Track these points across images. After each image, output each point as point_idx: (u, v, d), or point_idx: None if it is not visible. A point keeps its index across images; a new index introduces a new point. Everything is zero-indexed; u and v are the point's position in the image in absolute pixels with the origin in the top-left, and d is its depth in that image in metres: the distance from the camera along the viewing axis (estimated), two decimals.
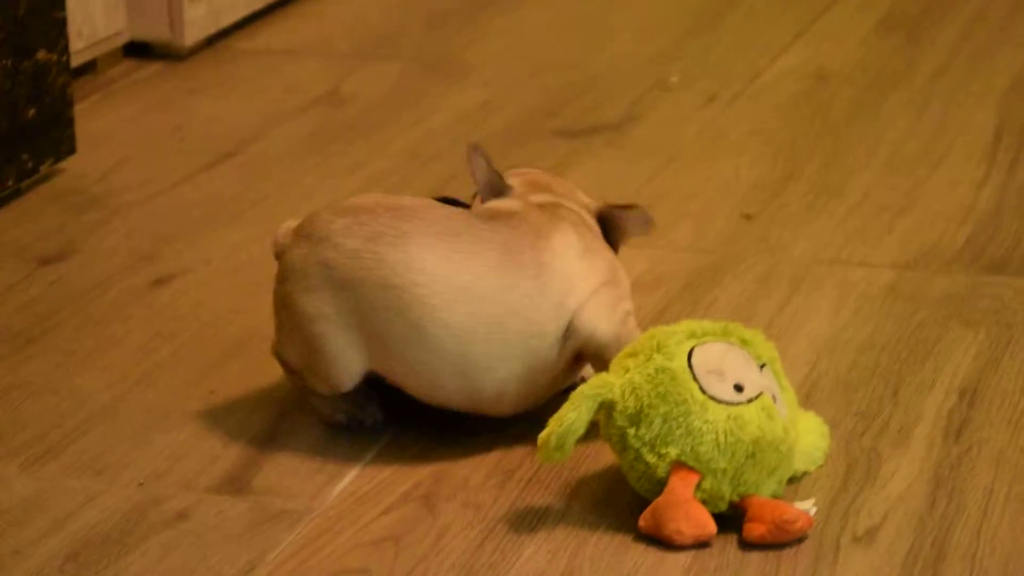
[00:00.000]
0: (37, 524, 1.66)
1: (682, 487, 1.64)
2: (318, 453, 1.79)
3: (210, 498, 1.71)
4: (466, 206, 1.90)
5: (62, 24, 2.44)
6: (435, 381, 1.76)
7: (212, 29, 3.00)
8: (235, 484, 1.73)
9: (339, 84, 2.87)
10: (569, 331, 1.76)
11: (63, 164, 2.50)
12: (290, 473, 1.76)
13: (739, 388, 1.67)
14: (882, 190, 2.46)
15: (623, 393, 1.66)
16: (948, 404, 1.89)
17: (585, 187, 2.53)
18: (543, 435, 1.65)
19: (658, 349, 1.67)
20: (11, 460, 1.77)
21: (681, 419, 1.65)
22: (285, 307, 1.80)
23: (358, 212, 1.78)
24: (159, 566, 1.61)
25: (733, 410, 1.65)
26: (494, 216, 1.82)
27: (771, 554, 1.63)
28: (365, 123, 2.71)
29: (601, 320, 1.78)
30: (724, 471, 1.65)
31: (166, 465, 1.77)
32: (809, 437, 1.76)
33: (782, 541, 1.63)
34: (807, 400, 1.89)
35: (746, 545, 1.64)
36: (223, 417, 1.86)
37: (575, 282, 1.77)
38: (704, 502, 1.65)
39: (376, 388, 1.82)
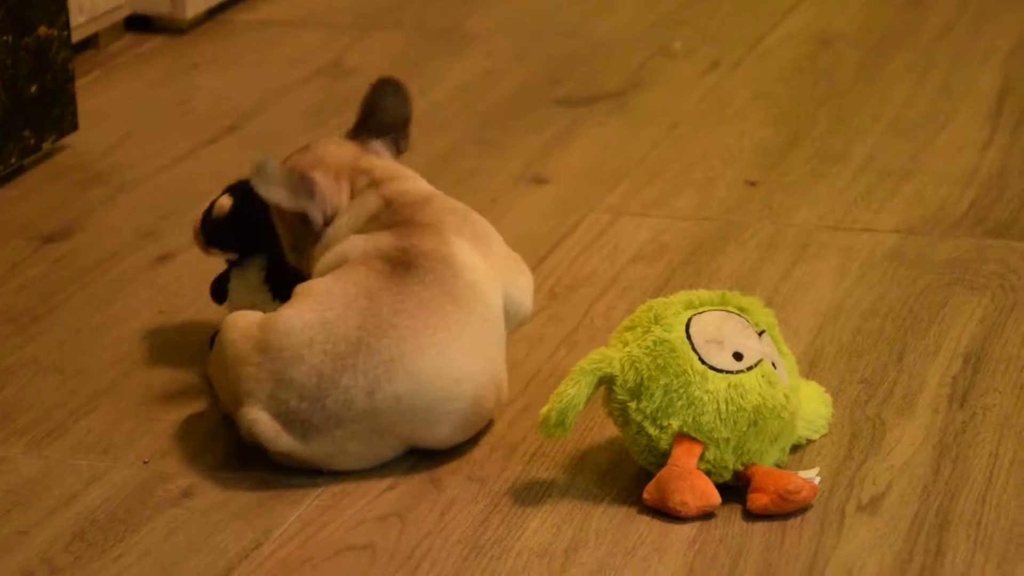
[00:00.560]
0: (43, 503, 1.67)
1: (685, 458, 1.64)
2: None
3: (215, 475, 1.71)
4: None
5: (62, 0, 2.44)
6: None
7: (213, 1, 2.99)
8: (240, 461, 1.74)
9: (341, 55, 2.86)
10: (512, 318, 1.78)
11: (65, 140, 2.49)
12: None
13: (738, 356, 1.66)
14: (886, 154, 2.46)
15: (623, 367, 1.66)
16: (952, 370, 1.89)
17: (588, 156, 2.54)
18: (543, 412, 1.65)
19: (656, 321, 1.67)
20: (17, 440, 1.78)
21: (681, 390, 1.65)
22: None
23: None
24: (165, 544, 1.61)
25: (733, 378, 1.65)
26: (400, 269, 1.71)
27: (775, 524, 1.63)
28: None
29: (527, 295, 1.81)
30: (727, 440, 1.65)
31: (171, 443, 1.77)
32: (811, 404, 1.76)
33: (786, 511, 1.63)
34: (811, 368, 1.89)
35: (750, 515, 1.64)
36: None
37: (494, 279, 1.76)
38: (708, 473, 1.65)
39: None
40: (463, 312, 1.69)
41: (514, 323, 1.80)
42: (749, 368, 1.66)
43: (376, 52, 2.87)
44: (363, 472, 1.72)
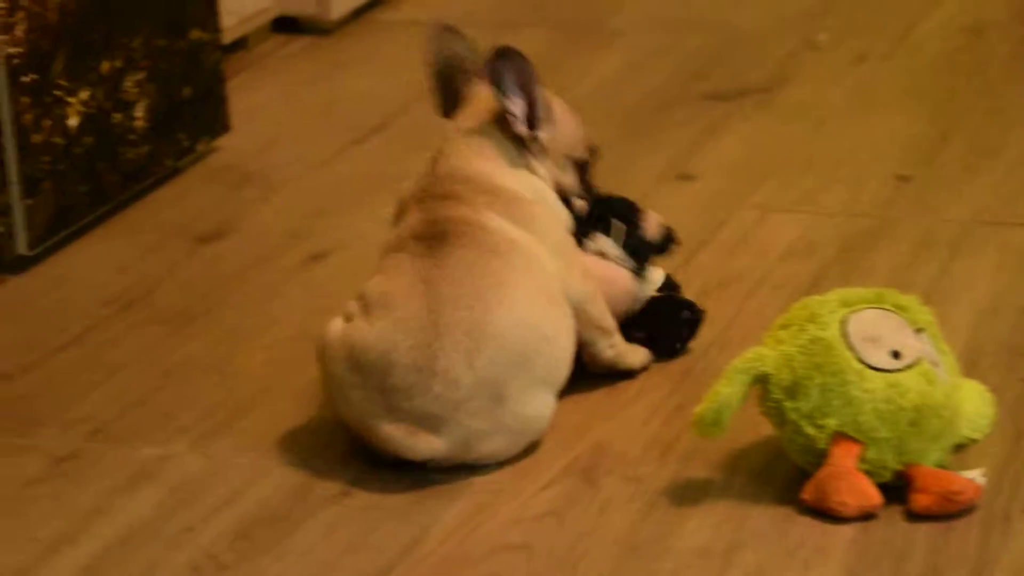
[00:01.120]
0: (208, 501, 1.70)
1: (844, 458, 1.63)
2: None
3: (371, 473, 1.73)
4: (633, 209, 1.89)
5: (213, 2, 2.47)
6: None
7: (358, 1, 3.02)
8: (396, 460, 1.75)
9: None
10: None
11: (218, 142, 2.53)
12: None
13: (896, 355, 1.64)
14: None
15: (777, 365, 1.65)
16: None
17: (735, 151, 2.51)
18: (698, 411, 1.64)
19: (811, 319, 1.66)
20: (181, 437, 1.81)
21: (839, 389, 1.63)
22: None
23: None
24: (325, 542, 1.63)
25: (892, 377, 1.63)
26: (436, 242, 1.76)
27: (939, 525, 1.61)
28: None
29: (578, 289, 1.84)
30: (887, 440, 1.63)
31: (328, 442, 1.79)
32: (973, 404, 1.73)
33: (949, 512, 1.61)
34: (971, 367, 1.86)
35: (913, 516, 1.62)
36: None
37: (538, 244, 1.81)
38: (868, 473, 1.63)
39: None
40: (509, 263, 1.73)
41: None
42: (908, 367, 1.64)
43: (519, 48, 2.87)
44: (516, 472, 1.72)
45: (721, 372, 1.66)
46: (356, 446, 1.78)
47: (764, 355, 1.66)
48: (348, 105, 2.71)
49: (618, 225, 1.88)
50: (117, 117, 2.31)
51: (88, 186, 2.27)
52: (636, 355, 1.87)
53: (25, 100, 2.15)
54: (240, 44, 2.88)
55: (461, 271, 1.71)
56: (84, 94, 2.25)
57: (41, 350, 1.99)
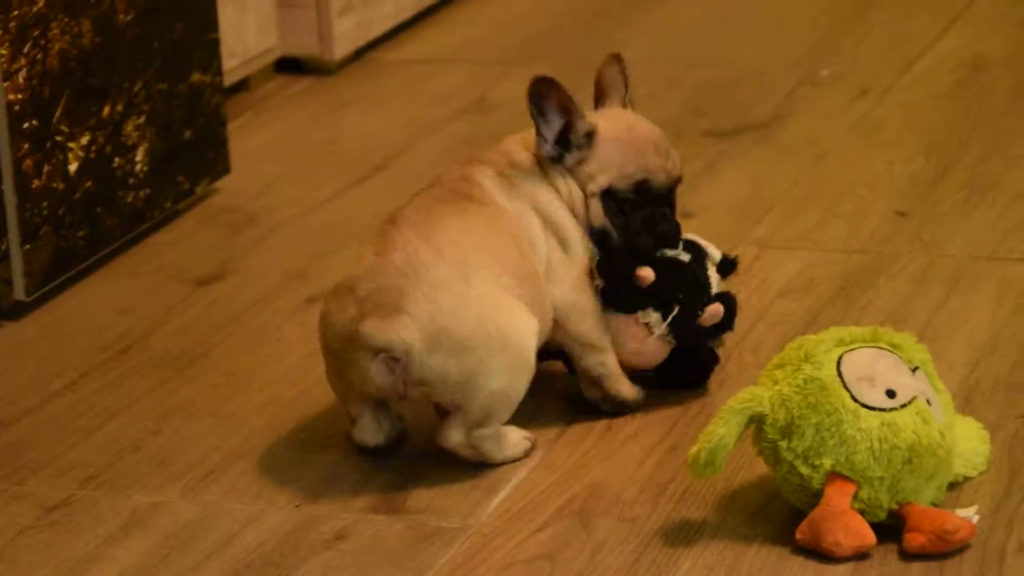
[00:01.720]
0: (200, 547, 1.70)
1: (839, 498, 1.62)
2: (472, 469, 1.80)
3: (366, 518, 1.73)
4: (700, 290, 1.87)
5: (215, 45, 2.49)
6: None
7: (361, 42, 3.03)
8: (391, 503, 1.75)
9: (487, 91, 2.88)
10: None
11: (218, 184, 2.54)
12: (444, 490, 1.77)
13: (891, 394, 1.64)
14: None
15: (772, 405, 1.64)
16: None
17: (735, 187, 2.52)
18: (693, 451, 1.64)
19: (806, 359, 1.65)
20: (174, 483, 1.81)
21: (833, 428, 1.62)
22: (464, 347, 1.77)
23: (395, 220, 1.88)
24: None
25: (887, 416, 1.62)
26: (426, 191, 1.89)
27: (933, 564, 1.60)
28: (513, 130, 2.70)
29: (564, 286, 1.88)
30: (881, 479, 1.62)
31: (323, 486, 1.79)
32: (969, 442, 1.72)
33: (944, 551, 1.60)
34: (967, 403, 1.85)
35: (907, 555, 1.61)
36: None
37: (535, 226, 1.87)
38: (862, 512, 1.63)
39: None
40: (480, 209, 1.81)
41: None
42: (903, 405, 1.63)
43: (522, 87, 2.87)
44: (511, 514, 1.72)
45: (716, 411, 1.66)
46: (352, 490, 1.78)
47: (759, 395, 1.65)
48: (349, 145, 2.72)
49: (677, 312, 1.83)
50: (117, 161, 2.32)
51: (87, 230, 2.28)
52: (627, 386, 1.86)
53: (25, 146, 2.16)
54: (242, 85, 2.89)
55: (430, 208, 1.81)
56: (84, 139, 2.26)
57: (37, 396, 2.00)
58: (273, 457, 1.85)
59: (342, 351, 1.77)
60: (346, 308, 1.76)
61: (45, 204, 2.21)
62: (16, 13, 2.14)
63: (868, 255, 2.23)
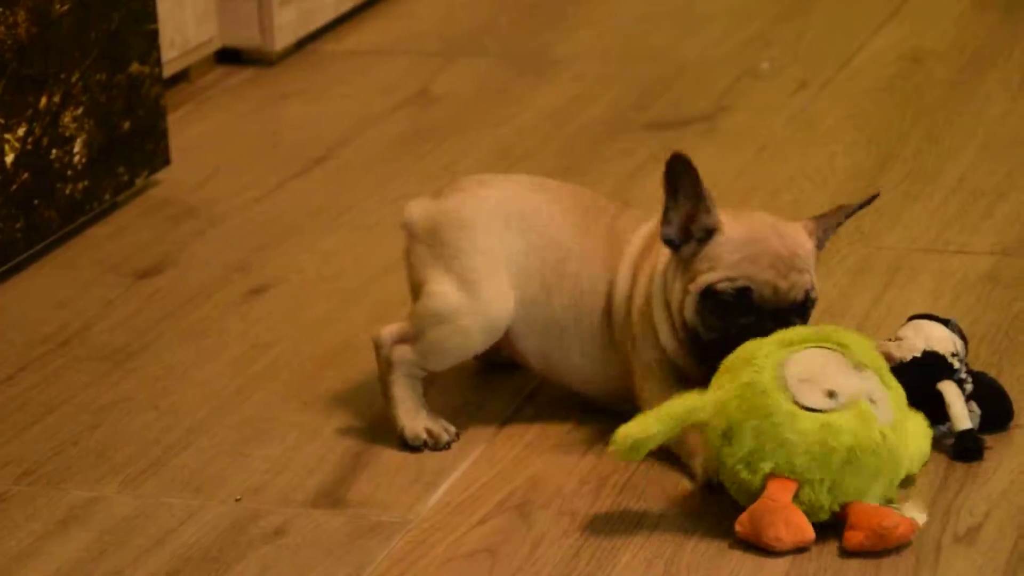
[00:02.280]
0: (138, 542, 1.69)
1: (780, 493, 1.62)
2: (413, 463, 1.80)
3: (307, 513, 1.72)
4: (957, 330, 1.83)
5: (154, 36, 2.47)
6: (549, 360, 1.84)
7: (301, 33, 3.02)
8: (331, 497, 1.75)
9: (429, 83, 2.87)
10: None
11: (158, 176, 2.52)
12: (385, 485, 1.77)
13: (832, 394, 1.64)
14: (979, 174, 2.42)
15: (714, 412, 1.65)
16: None
17: None
18: (621, 433, 1.64)
19: (749, 362, 1.66)
20: (113, 478, 1.80)
21: (771, 432, 1.63)
22: (418, 263, 1.83)
23: (487, 180, 1.88)
24: None
25: (825, 417, 1.62)
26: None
27: (871, 558, 1.61)
28: (455, 122, 2.72)
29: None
30: (821, 481, 1.62)
31: (263, 480, 1.78)
32: (916, 440, 1.71)
33: (882, 548, 1.60)
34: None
35: (846, 551, 1.62)
36: (318, 429, 1.87)
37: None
38: (805, 513, 1.62)
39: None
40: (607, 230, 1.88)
41: None
42: (843, 406, 1.63)
43: (463, 79, 2.88)
44: (452, 508, 1.72)
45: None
46: (293, 484, 1.77)
47: (701, 403, 1.65)
48: (291, 137, 2.70)
49: None
50: (55, 152, 2.30)
51: (24, 222, 2.26)
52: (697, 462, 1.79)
53: None
54: (182, 76, 2.87)
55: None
56: (21, 130, 2.24)
57: None
58: (213, 451, 1.84)
59: None
60: None
61: None
62: None
63: None
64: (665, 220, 1.78)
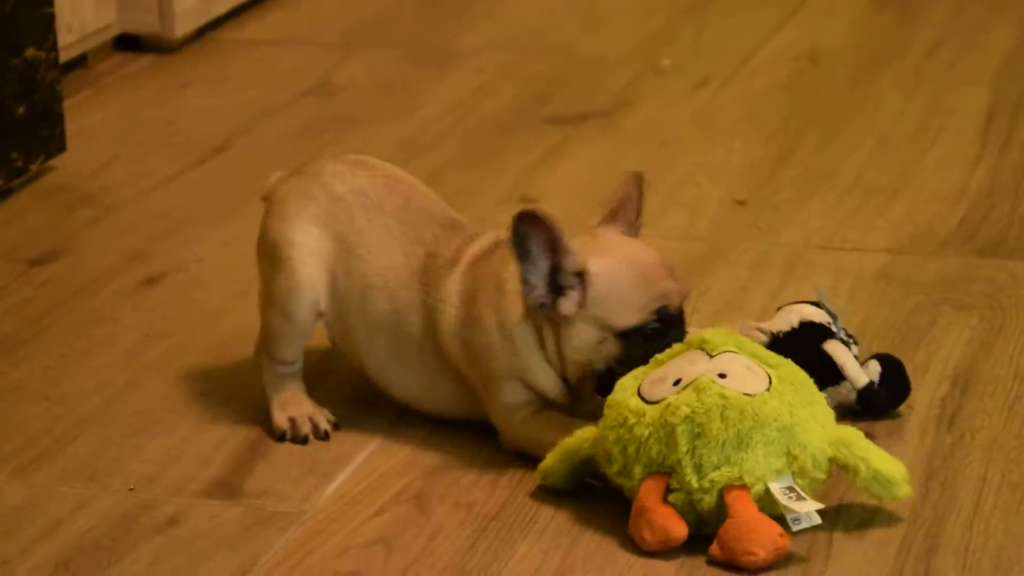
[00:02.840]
0: (27, 532, 1.66)
1: (646, 494, 1.62)
2: (309, 454, 1.79)
3: (201, 503, 1.71)
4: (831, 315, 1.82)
5: (49, 20, 2.43)
6: (361, 355, 1.81)
7: (202, 20, 2.99)
8: (226, 488, 1.73)
9: (330, 73, 2.86)
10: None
11: (54, 162, 2.49)
12: (281, 475, 1.76)
13: (678, 382, 1.64)
14: (875, 172, 2.45)
15: (594, 445, 1.68)
16: (941, 392, 1.88)
17: (577, 174, 2.53)
18: (540, 468, 1.71)
19: (615, 391, 1.68)
20: (2, 467, 1.77)
21: (627, 435, 1.64)
22: (261, 241, 1.83)
23: (357, 165, 1.83)
24: (150, 573, 1.60)
25: (664, 402, 1.62)
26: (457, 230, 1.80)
27: None
28: (357, 113, 2.70)
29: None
30: (679, 461, 1.61)
31: (157, 469, 1.77)
32: (815, 438, 1.70)
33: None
34: None
35: None
36: (214, 419, 1.86)
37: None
38: (689, 502, 1.62)
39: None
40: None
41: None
42: (684, 388, 1.62)
43: (365, 71, 2.87)
44: (348, 499, 1.71)
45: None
46: (187, 475, 1.75)
47: (583, 439, 1.68)
48: (190, 125, 2.68)
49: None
50: None
51: None
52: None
53: None
54: (79, 62, 2.84)
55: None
56: None
57: None
58: (105, 441, 1.82)
59: None
60: None
61: None
62: None
63: (707, 242, 2.25)
64: (527, 285, 1.69)
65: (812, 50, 2.90)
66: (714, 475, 1.61)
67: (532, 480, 1.73)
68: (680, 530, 1.60)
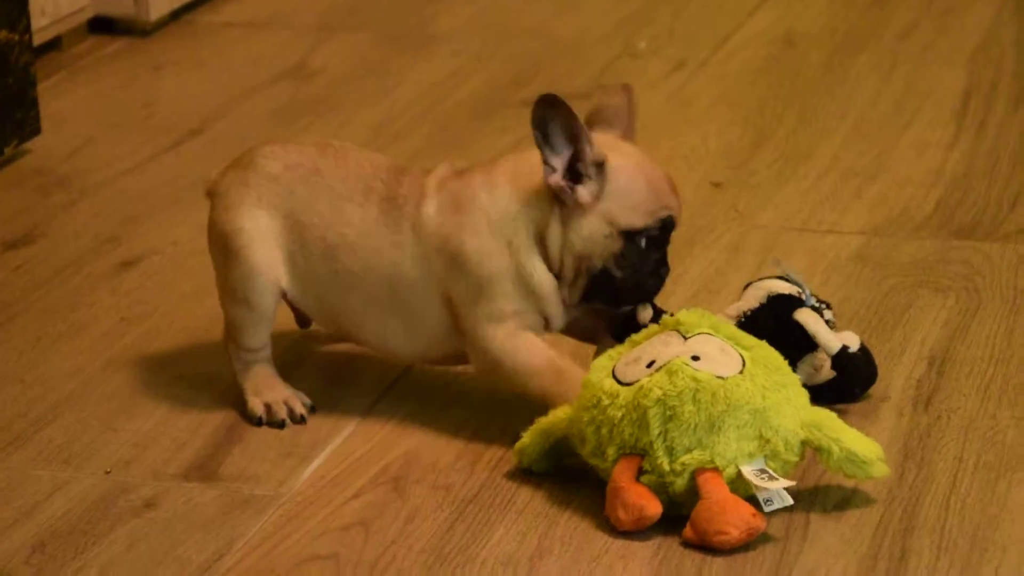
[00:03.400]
0: (3, 515, 1.66)
1: (619, 474, 1.62)
2: (286, 437, 1.79)
3: (178, 486, 1.70)
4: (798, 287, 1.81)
5: (24, 3, 2.42)
6: (336, 319, 1.80)
7: (177, 3, 2.98)
8: (203, 471, 1.73)
9: (306, 57, 2.85)
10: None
11: (28, 145, 2.48)
12: (259, 458, 1.75)
13: (651, 364, 1.64)
14: (851, 155, 2.46)
15: (568, 425, 1.68)
16: (917, 373, 1.89)
17: None
18: (516, 447, 1.71)
19: (591, 371, 1.68)
20: None
21: (601, 417, 1.64)
22: (211, 235, 1.83)
23: (287, 142, 1.83)
24: (127, 556, 1.60)
25: (637, 384, 1.62)
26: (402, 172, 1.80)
27: None
28: (333, 96, 2.70)
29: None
30: (651, 444, 1.61)
31: (133, 452, 1.76)
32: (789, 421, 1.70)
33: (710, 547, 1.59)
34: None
35: None
36: (191, 402, 1.85)
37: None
38: (661, 484, 1.62)
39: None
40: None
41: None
42: (658, 370, 1.63)
43: (341, 53, 2.86)
44: (326, 482, 1.71)
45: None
46: (163, 458, 1.75)
47: (558, 419, 1.68)
48: (165, 108, 2.67)
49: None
50: None
51: None
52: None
53: None
54: (54, 45, 2.82)
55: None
56: None
57: None
58: (82, 424, 1.81)
59: None
60: None
61: None
62: None
63: (684, 225, 2.23)
64: (549, 169, 1.70)
65: (788, 33, 2.91)
66: (686, 458, 1.61)
67: (509, 463, 1.73)
68: (654, 507, 1.60)
